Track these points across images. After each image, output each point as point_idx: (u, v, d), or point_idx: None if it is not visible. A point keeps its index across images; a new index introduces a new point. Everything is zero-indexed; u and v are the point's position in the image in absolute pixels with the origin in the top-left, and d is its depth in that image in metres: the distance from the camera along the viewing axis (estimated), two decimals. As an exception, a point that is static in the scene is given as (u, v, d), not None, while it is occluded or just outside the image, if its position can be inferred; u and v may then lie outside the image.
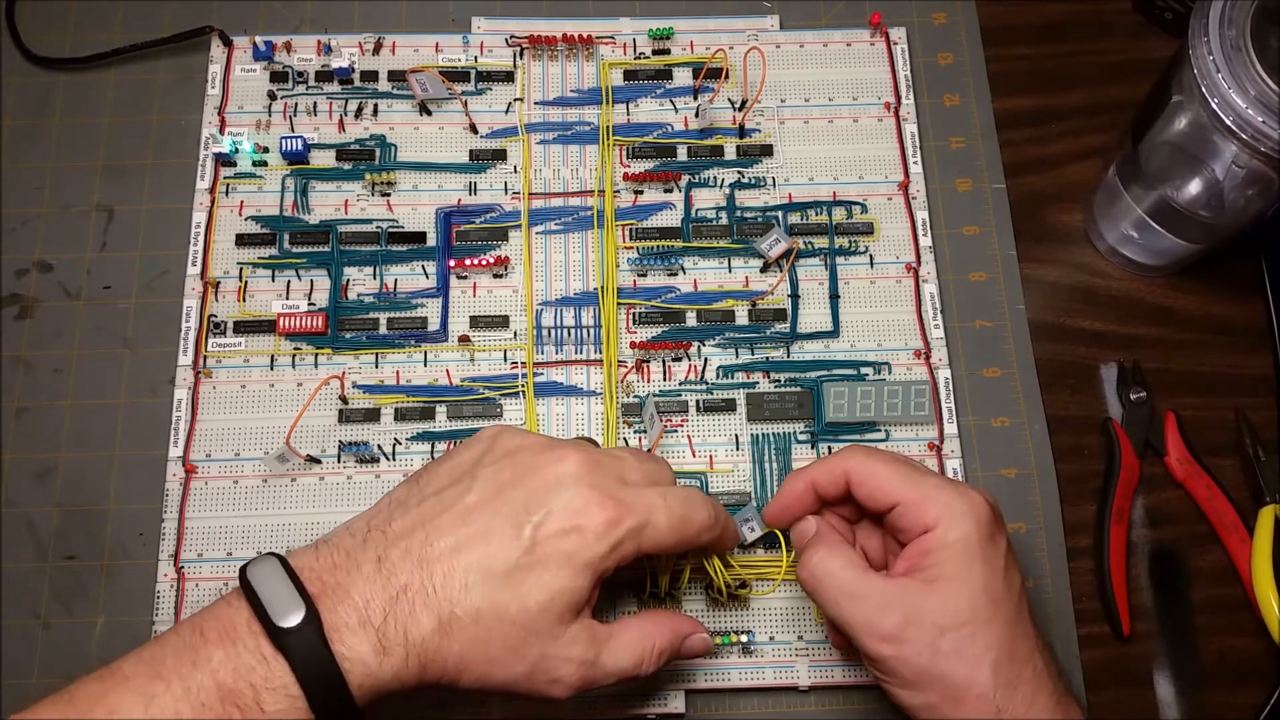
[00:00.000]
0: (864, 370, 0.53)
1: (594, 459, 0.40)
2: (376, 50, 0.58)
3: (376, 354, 0.53)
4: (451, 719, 0.47)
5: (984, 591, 0.39)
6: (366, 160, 0.56)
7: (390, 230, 0.55)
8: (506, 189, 0.56)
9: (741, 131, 0.57)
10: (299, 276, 0.54)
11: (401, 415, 0.52)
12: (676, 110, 0.58)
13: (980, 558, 0.39)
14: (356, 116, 0.57)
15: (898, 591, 0.39)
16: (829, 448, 0.52)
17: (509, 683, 0.38)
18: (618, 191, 0.56)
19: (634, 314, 0.54)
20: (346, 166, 0.56)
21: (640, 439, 0.51)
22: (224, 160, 0.56)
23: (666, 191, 0.56)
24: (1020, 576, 0.40)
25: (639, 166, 0.56)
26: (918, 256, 0.55)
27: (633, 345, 0.53)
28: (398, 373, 0.53)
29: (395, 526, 0.38)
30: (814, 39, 0.59)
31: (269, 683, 0.34)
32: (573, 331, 0.53)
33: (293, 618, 0.35)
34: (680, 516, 0.40)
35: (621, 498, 0.39)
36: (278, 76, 0.58)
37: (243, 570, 0.37)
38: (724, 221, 0.55)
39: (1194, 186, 0.50)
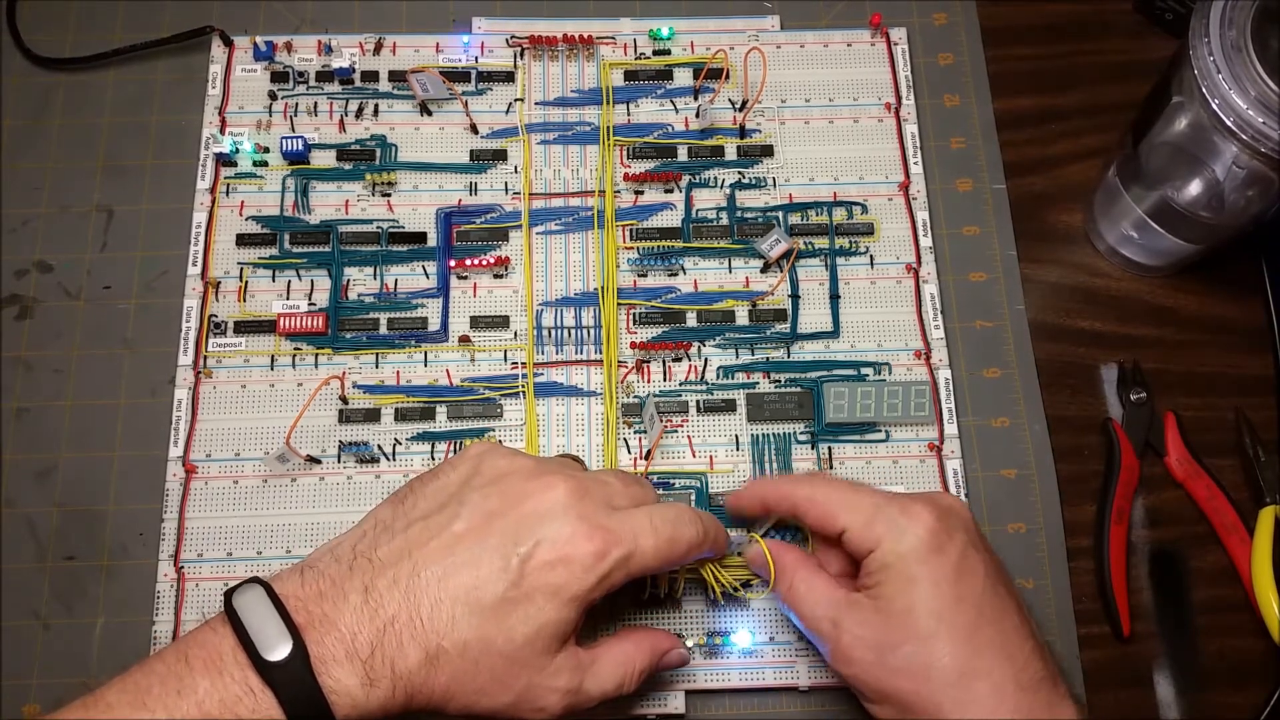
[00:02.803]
0: (864, 371, 0.53)
1: (582, 486, 0.40)
2: (377, 50, 0.58)
3: (377, 354, 0.53)
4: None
5: (926, 608, 0.39)
6: (367, 160, 0.56)
7: (391, 230, 0.55)
8: (507, 189, 0.56)
9: (742, 132, 0.57)
10: (299, 276, 0.54)
11: (402, 415, 0.52)
12: (677, 110, 0.58)
13: (922, 574, 0.39)
14: (357, 117, 0.57)
15: (852, 611, 0.40)
16: (829, 448, 0.52)
17: (495, 711, 0.38)
18: (618, 192, 0.56)
19: (634, 314, 0.54)
20: (347, 166, 0.56)
21: (640, 439, 0.51)
22: (224, 160, 0.56)
23: (667, 192, 0.56)
24: (982, 586, 0.40)
25: (639, 167, 0.56)
26: (918, 257, 0.55)
27: (633, 345, 0.53)
28: (398, 373, 0.53)
29: (381, 553, 0.38)
30: (814, 39, 0.59)
31: (255, 714, 0.34)
32: (573, 332, 0.53)
33: (280, 650, 0.34)
34: (668, 539, 0.40)
35: (609, 527, 0.39)
36: (278, 76, 0.58)
37: (227, 597, 0.36)
38: (724, 222, 0.55)
39: (1194, 187, 0.50)
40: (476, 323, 0.53)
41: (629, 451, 0.51)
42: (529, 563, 0.37)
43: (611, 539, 0.38)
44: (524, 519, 0.38)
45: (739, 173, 0.56)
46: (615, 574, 0.39)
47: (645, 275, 0.55)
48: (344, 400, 0.52)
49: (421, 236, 0.55)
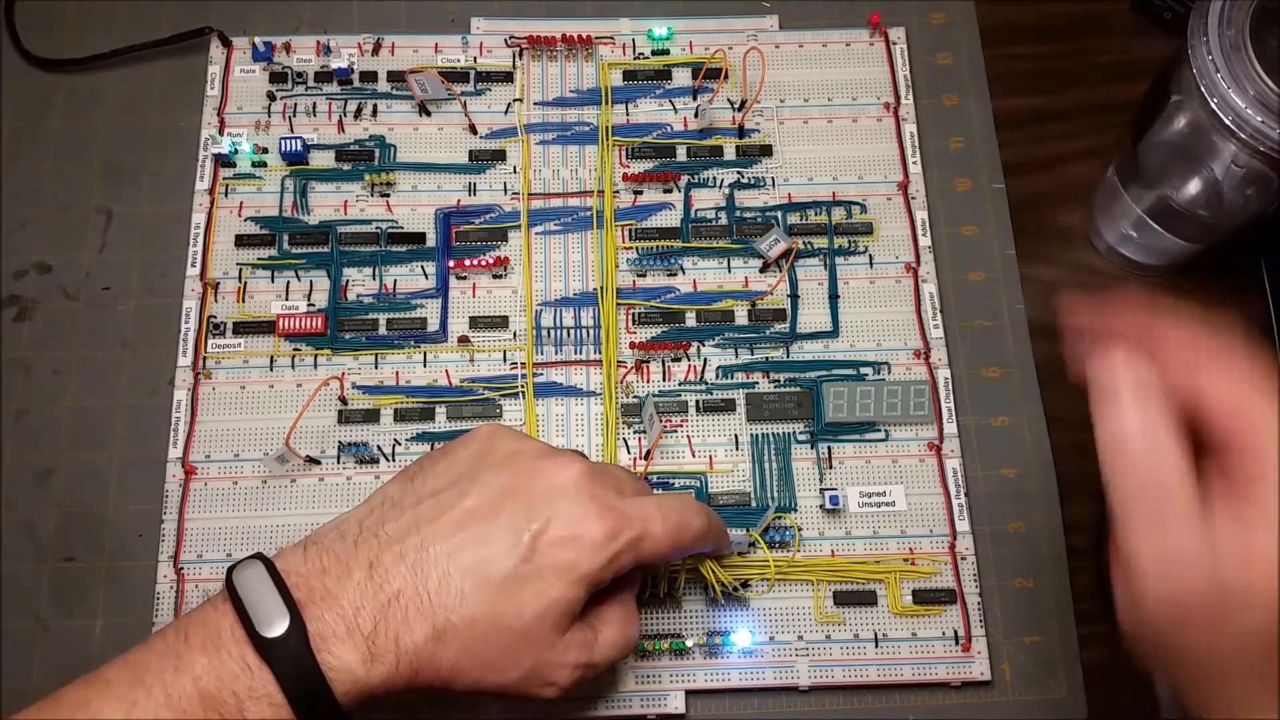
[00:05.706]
0: (863, 370, 0.53)
1: (593, 470, 0.40)
2: (376, 51, 0.58)
3: (376, 355, 0.53)
4: (449, 719, 0.47)
5: None
6: (366, 161, 0.56)
7: (390, 231, 0.55)
8: (506, 189, 0.56)
9: (741, 132, 0.57)
10: (298, 277, 0.54)
11: (401, 416, 0.52)
12: (676, 110, 0.58)
13: None
14: (356, 117, 0.57)
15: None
16: (828, 448, 0.52)
17: (503, 686, 0.38)
18: (617, 192, 0.56)
19: (633, 314, 0.54)
20: (346, 167, 0.56)
21: (640, 439, 0.51)
22: (223, 161, 0.56)
23: (666, 192, 0.56)
24: None
25: (638, 167, 0.56)
26: (917, 256, 0.55)
27: (632, 345, 0.53)
28: (397, 373, 0.53)
29: (389, 529, 0.38)
30: (813, 39, 0.59)
31: (253, 692, 0.34)
32: (572, 332, 0.53)
33: (277, 627, 0.34)
34: (676, 525, 0.40)
35: (621, 509, 0.38)
36: (277, 77, 0.58)
37: (229, 573, 0.36)
38: (723, 222, 0.55)
39: (1193, 186, 0.50)
40: (476, 323, 0.53)
41: (628, 451, 0.51)
42: (540, 539, 0.37)
43: (623, 520, 0.38)
44: (536, 497, 0.38)
45: (738, 172, 0.56)
46: (625, 556, 0.38)
47: (644, 275, 0.55)
48: (343, 401, 0.52)
49: (420, 237, 0.55)
